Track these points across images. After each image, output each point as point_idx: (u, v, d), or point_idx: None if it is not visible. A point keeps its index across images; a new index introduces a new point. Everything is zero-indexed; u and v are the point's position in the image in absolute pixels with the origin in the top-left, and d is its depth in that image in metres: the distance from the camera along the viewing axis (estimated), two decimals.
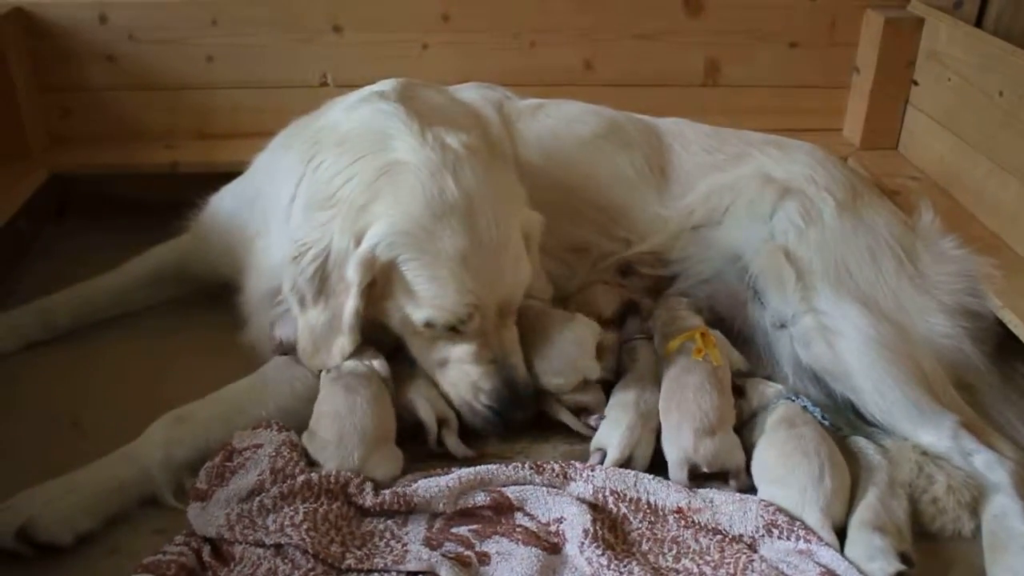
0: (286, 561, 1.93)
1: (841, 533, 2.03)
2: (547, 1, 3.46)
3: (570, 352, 2.38)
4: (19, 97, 3.23)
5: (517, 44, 3.49)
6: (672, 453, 2.24)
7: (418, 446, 2.30)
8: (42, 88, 3.35)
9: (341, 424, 2.19)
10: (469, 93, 2.84)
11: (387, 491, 2.11)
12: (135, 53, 3.35)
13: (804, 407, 2.31)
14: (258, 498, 2.02)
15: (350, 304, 2.21)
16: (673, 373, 2.38)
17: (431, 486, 2.11)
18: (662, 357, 2.48)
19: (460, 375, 2.29)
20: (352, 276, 2.17)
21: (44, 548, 1.97)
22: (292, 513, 2.00)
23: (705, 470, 2.20)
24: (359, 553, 1.97)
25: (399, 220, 2.15)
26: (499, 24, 3.46)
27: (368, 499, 2.09)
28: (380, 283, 2.20)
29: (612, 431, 2.29)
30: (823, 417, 2.31)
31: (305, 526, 1.97)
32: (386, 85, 2.55)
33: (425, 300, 2.18)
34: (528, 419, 2.33)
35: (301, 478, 2.07)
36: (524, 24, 3.47)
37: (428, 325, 2.21)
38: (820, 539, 1.99)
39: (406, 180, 2.17)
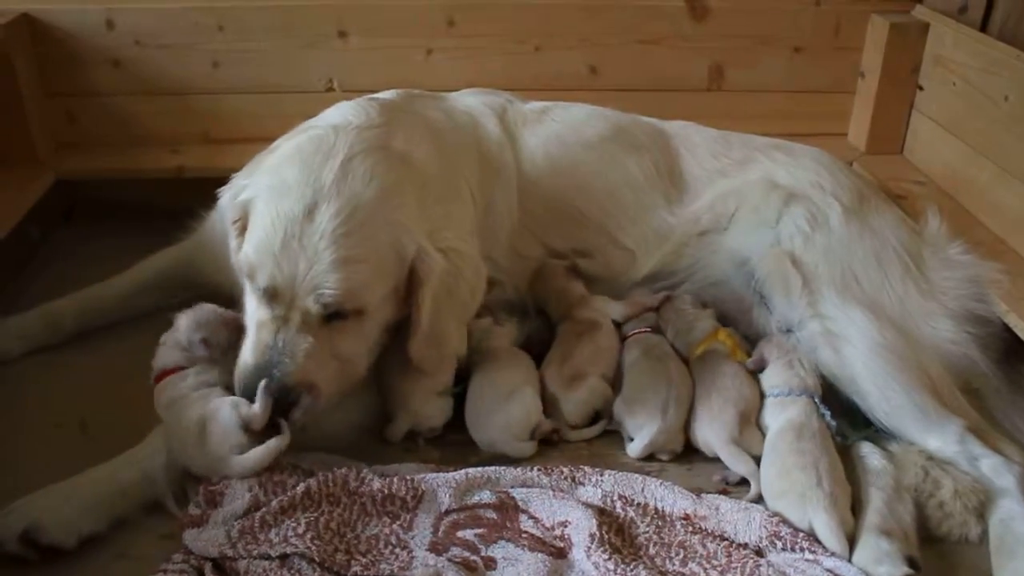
0: (292, 571, 1.93)
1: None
2: (552, 6, 3.46)
3: (504, 429, 2.35)
4: (26, 102, 3.23)
5: (522, 49, 3.49)
6: (718, 434, 2.30)
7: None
8: (49, 93, 3.36)
9: None
10: (470, 100, 2.83)
11: (394, 476, 2.13)
12: (141, 58, 3.36)
13: (823, 416, 2.30)
14: (258, 513, 2.02)
15: (232, 243, 2.30)
16: (707, 364, 2.47)
17: (438, 477, 2.14)
18: (687, 357, 2.56)
19: (247, 334, 2.23)
20: (226, 214, 2.31)
21: (48, 551, 1.97)
22: (294, 524, 1.99)
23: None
24: (364, 560, 1.97)
25: (273, 171, 2.22)
26: (504, 29, 3.46)
27: (375, 484, 2.10)
28: (243, 224, 2.25)
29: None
30: (831, 419, 2.30)
31: (309, 535, 1.97)
32: (385, 94, 2.61)
33: (251, 237, 2.17)
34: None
35: (300, 489, 2.07)
36: (529, 29, 3.47)
37: (243, 271, 2.20)
38: (825, 550, 1.99)
39: (302, 140, 2.26)
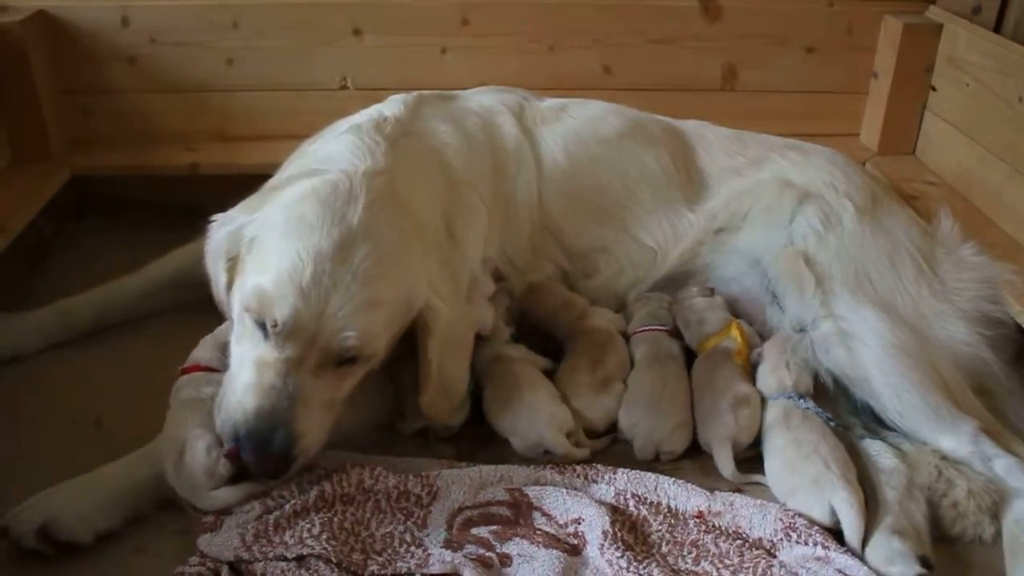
0: (310, 572, 1.93)
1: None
2: (566, 6, 3.46)
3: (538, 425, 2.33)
4: (41, 99, 3.24)
5: (536, 48, 3.49)
6: (714, 432, 2.31)
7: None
8: (64, 90, 3.37)
9: None
10: (486, 98, 2.82)
11: (410, 473, 2.14)
12: (156, 56, 3.37)
13: (807, 409, 2.31)
14: (272, 516, 2.02)
15: (221, 278, 2.20)
16: (708, 364, 2.49)
17: (453, 473, 2.15)
18: (697, 348, 2.58)
19: (238, 375, 2.08)
20: (221, 247, 2.18)
21: (64, 547, 1.98)
22: (309, 525, 1.99)
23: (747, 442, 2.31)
24: (381, 559, 1.97)
25: (287, 208, 2.09)
26: (518, 28, 3.46)
27: (390, 481, 2.11)
28: (240, 258, 2.15)
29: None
30: (828, 419, 2.31)
31: (324, 536, 1.97)
32: (392, 106, 2.58)
33: (264, 265, 2.03)
34: (259, 471, 2.06)
35: (314, 492, 2.06)
36: (543, 28, 3.47)
37: (247, 306, 2.04)
38: (839, 545, 2.00)
39: (316, 183, 2.13)
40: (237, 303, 2.11)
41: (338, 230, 2.02)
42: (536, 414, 2.32)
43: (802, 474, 2.14)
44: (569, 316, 2.63)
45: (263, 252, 2.07)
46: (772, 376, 2.40)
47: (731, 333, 2.53)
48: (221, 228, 2.21)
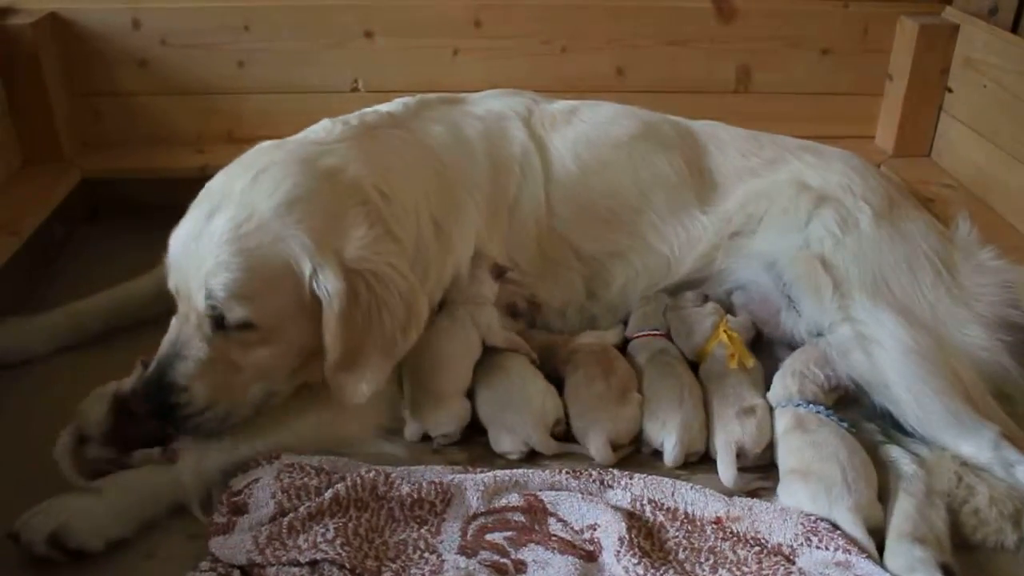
0: None
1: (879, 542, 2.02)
2: (579, 8, 3.45)
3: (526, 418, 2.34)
4: (52, 101, 3.25)
5: (549, 50, 3.48)
6: (720, 438, 2.29)
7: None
8: (75, 92, 3.37)
9: None
10: (495, 103, 2.80)
11: (424, 480, 2.12)
12: (167, 58, 3.37)
13: (818, 412, 2.29)
14: (286, 519, 2.00)
15: None
16: (714, 373, 2.46)
17: (466, 479, 2.13)
18: (694, 358, 2.55)
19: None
20: None
21: (75, 554, 1.96)
22: (323, 530, 1.98)
23: (753, 451, 2.27)
24: (395, 566, 1.95)
25: (210, 181, 2.29)
26: (531, 30, 3.46)
27: (404, 488, 2.09)
28: None
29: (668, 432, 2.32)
30: (840, 420, 2.28)
31: (339, 541, 1.95)
32: (393, 105, 2.65)
33: None
34: (150, 414, 2.18)
35: (328, 495, 2.05)
36: (556, 30, 3.46)
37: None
38: (861, 550, 1.97)
39: (248, 152, 2.35)
40: None
41: (219, 196, 2.18)
42: (525, 412, 2.34)
43: (817, 480, 2.11)
44: (557, 353, 2.57)
45: None
46: (779, 384, 2.39)
47: (720, 336, 2.51)
48: None
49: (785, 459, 2.23)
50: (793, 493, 2.13)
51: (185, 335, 2.16)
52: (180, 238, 2.18)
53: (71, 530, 1.96)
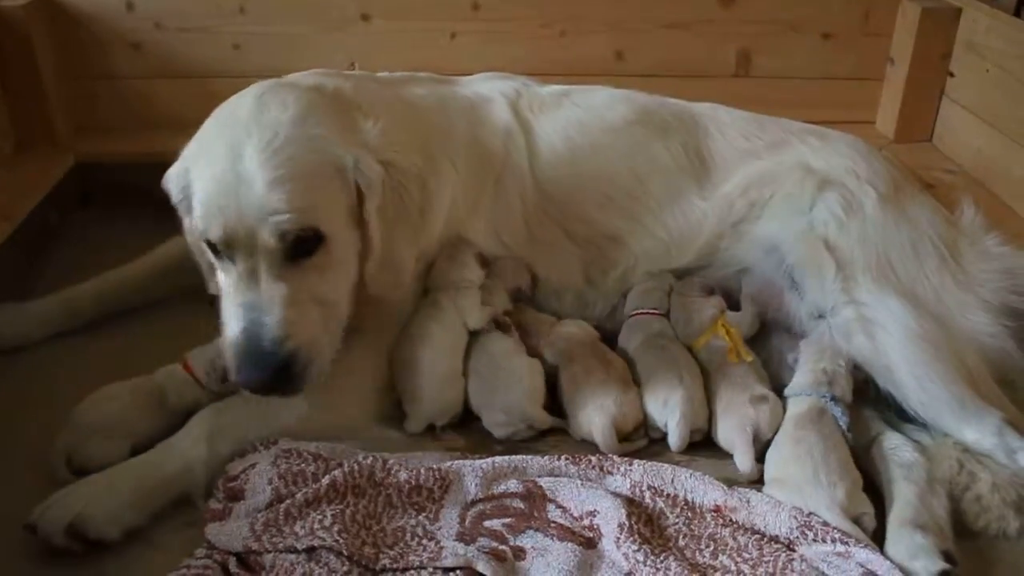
0: (321, 565, 1.89)
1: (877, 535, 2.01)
2: None
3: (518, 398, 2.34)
4: (45, 85, 3.23)
5: (547, 33, 3.47)
6: (736, 423, 2.27)
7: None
8: (68, 76, 3.35)
9: None
10: (481, 86, 2.78)
11: (422, 467, 2.11)
12: (161, 41, 3.36)
13: (826, 403, 2.26)
14: (282, 505, 1.99)
15: (186, 224, 2.27)
16: (713, 361, 2.44)
17: (465, 465, 2.12)
18: (690, 347, 2.52)
19: (224, 311, 2.13)
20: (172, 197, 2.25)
21: (92, 544, 1.94)
22: (320, 517, 1.97)
23: (767, 435, 2.25)
24: (392, 552, 1.94)
25: (197, 137, 2.21)
26: (529, 13, 3.44)
27: (402, 475, 2.08)
28: (188, 202, 2.20)
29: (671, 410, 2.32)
30: (842, 413, 2.25)
31: (336, 528, 1.94)
32: (381, 74, 2.67)
33: (195, 204, 2.12)
34: (267, 384, 2.07)
35: (326, 481, 2.04)
36: (554, 13, 3.45)
37: (204, 237, 2.13)
38: (858, 541, 1.95)
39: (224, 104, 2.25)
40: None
41: (230, 130, 2.11)
42: (515, 389, 2.33)
43: (792, 475, 2.10)
44: (539, 326, 2.58)
45: (194, 189, 2.14)
46: (811, 372, 2.34)
47: (718, 331, 2.49)
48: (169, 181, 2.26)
49: (767, 467, 2.21)
50: (770, 488, 2.13)
51: (256, 290, 2.06)
52: (212, 189, 2.06)
53: (89, 520, 1.94)
